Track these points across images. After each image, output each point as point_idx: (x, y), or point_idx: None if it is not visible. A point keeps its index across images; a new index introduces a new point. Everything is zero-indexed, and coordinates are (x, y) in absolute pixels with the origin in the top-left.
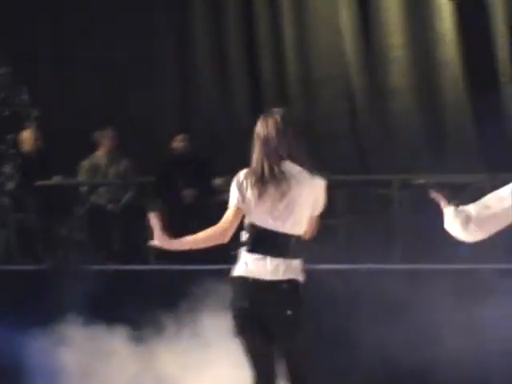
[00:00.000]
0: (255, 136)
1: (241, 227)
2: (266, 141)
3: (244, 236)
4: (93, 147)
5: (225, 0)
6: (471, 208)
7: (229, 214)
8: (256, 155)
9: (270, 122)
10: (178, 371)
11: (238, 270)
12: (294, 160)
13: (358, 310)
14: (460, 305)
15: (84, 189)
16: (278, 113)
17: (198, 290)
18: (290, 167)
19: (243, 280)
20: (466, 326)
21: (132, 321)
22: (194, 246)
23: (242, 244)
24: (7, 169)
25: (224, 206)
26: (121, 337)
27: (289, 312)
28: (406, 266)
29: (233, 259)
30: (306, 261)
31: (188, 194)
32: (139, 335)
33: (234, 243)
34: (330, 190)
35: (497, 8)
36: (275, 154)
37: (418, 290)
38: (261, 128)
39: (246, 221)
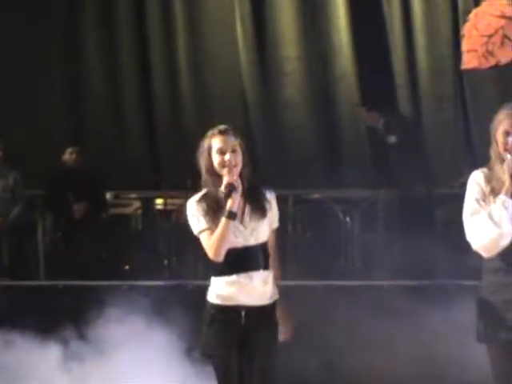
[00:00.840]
0: None
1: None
2: None
3: None
4: None
5: (116, 12)
6: None
7: None
8: None
9: None
10: None
11: None
12: None
13: None
14: (356, 323)
15: None
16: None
17: (96, 305)
18: None
19: None
20: (364, 343)
21: (28, 336)
22: None
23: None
24: None
25: (115, 220)
26: (18, 352)
27: None
28: (301, 282)
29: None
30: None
31: (78, 208)
32: (40, 351)
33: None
34: None
35: (393, 21)
36: None
37: (313, 306)
38: None
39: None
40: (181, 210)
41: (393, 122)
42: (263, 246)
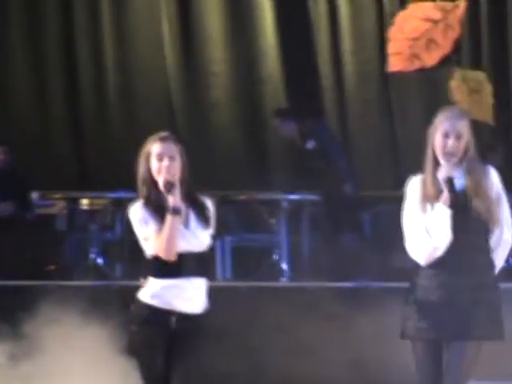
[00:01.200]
0: None
1: None
2: None
3: None
4: None
5: (43, 9)
6: None
7: None
8: None
9: None
10: None
11: None
12: None
13: None
14: (283, 325)
15: None
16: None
17: (22, 305)
18: None
19: None
20: (291, 346)
21: None
22: None
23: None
24: None
25: (40, 220)
26: None
27: None
28: (228, 283)
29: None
30: None
31: (4, 207)
32: None
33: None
34: None
35: (320, 23)
36: None
37: (239, 308)
38: None
39: None
40: (106, 210)
41: (311, 127)
42: (204, 254)
